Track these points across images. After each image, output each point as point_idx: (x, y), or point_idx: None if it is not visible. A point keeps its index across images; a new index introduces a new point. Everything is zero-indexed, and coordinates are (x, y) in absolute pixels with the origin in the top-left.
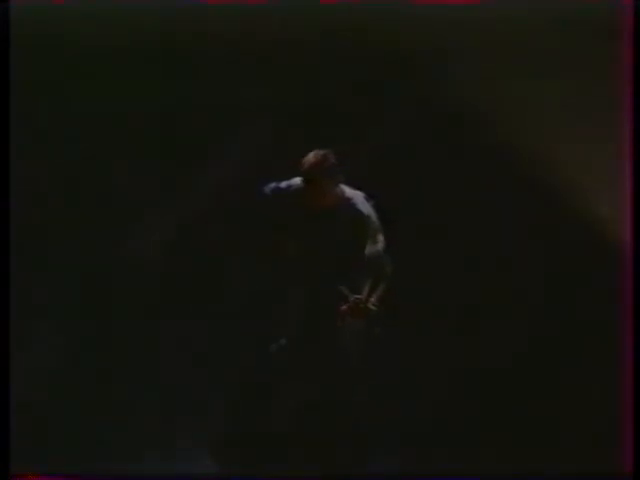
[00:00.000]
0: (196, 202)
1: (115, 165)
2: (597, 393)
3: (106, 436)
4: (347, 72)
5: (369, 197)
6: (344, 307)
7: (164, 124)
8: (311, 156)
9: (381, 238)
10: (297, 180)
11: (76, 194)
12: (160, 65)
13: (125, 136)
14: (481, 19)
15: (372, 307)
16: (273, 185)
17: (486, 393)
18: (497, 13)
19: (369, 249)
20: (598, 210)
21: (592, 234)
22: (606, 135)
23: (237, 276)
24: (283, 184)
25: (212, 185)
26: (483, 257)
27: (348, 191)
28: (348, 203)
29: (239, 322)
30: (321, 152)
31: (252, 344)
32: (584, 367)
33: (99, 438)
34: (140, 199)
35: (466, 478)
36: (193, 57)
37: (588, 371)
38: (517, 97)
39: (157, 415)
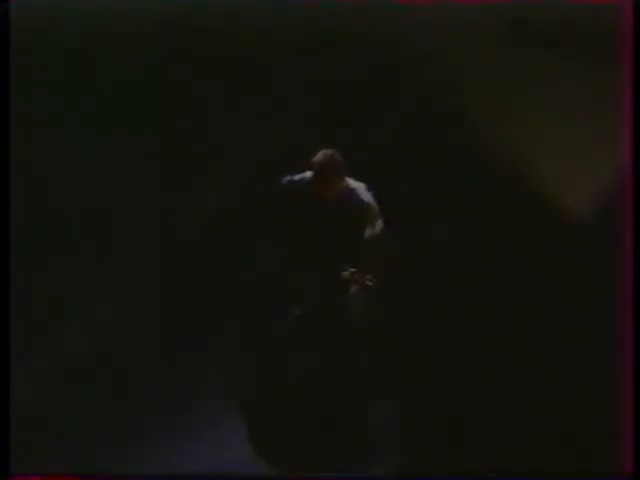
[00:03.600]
0: (206, 201)
1: (116, 164)
2: (597, 393)
3: (106, 436)
4: (347, 72)
5: (370, 188)
6: (344, 274)
7: (165, 123)
8: (320, 155)
9: (380, 222)
10: (309, 173)
11: (76, 194)
12: (161, 64)
13: (126, 135)
14: (481, 19)
15: (368, 283)
16: (288, 177)
17: (486, 393)
18: (497, 13)
19: (369, 232)
20: (598, 210)
21: (591, 234)
22: (606, 135)
23: (252, 257)
24: (296, 177)
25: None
26: (482, 257)
27: (352, 183)
28: (352, 193)
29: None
30: (329, 152)
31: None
32: (584, 367)
33: (99, 438)
34: (141, 199)
35: (466, 478)
36: (194, 57)
37: (588, 371)
38: (517, 97)
39: (157, 415)
